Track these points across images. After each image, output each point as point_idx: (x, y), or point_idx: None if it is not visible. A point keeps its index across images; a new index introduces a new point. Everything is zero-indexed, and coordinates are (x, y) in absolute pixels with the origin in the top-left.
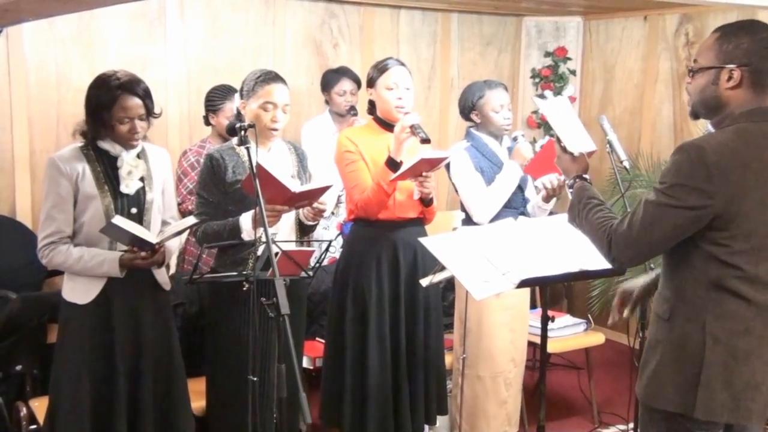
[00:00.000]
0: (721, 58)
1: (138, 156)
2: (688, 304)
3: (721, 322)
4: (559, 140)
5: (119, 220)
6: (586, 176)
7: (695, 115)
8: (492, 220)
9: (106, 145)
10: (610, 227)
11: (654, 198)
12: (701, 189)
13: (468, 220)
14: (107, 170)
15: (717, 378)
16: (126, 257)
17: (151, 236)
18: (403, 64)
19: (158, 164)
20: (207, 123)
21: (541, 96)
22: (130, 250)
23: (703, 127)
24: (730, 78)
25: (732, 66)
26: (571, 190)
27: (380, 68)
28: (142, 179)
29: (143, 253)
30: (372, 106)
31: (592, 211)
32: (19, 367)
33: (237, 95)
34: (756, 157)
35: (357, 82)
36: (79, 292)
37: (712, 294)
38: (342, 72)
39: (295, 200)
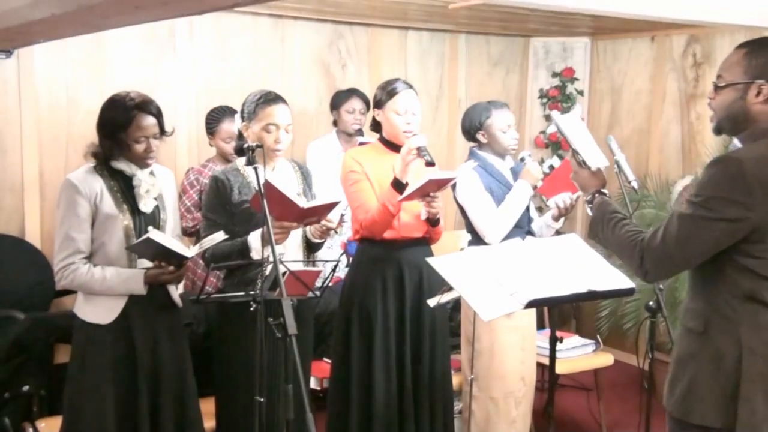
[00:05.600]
0: (749, 73)
1: (149, 174)
2: (722, 317)
3: (757, 334)
4: (576, 155)
5: (155, 234)
6: (605, 191)
7: (719, 131)
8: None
9: (121, 164)
10: (641, 241)
11: (690, 211)
12: (740, 201)
13: (475, 241)
14: (123, 189)
15: (756, 391)
16: (152, 273)
17: (185, 249)
18: (411, 87)
19: (167, 183)
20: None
21: (549, 116)
22: (157, 265)
23: (711, 146)
24: (759, 93)
25: (761, 81)
26: (590, 206)
27: (389, 92)
28: (155, 198)
29: (171, 268)
30: (376, 125)
31: (618, 225)
32: (26, 388)
33: (237, 116)
34: None
35: (367, 103)
36: (100, 312)
37: (746, 306)
38: (352, 92)
39: (304, 216)
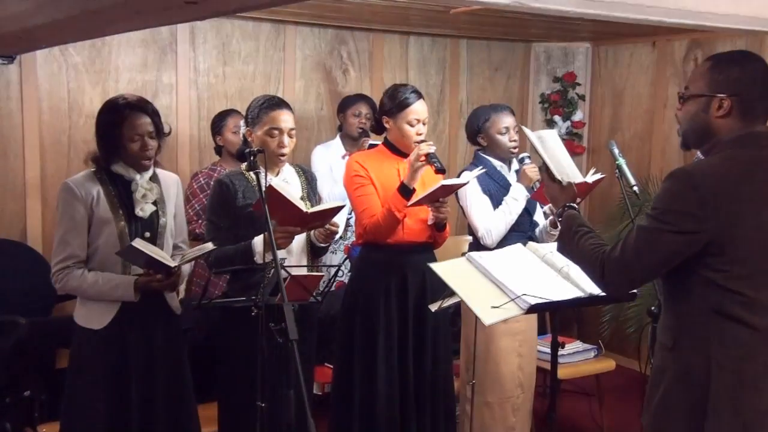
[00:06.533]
0: (712, 86)
1: (150, 179)
2: (691, 332)
3: (725, 348)
4: (547, 169)
5: (139, 243)
6: (575, 205)
7: (686, 145)
8: (500, 244)
9: (120, 169)
10: (602, 253)
11: (646, 224)
12: (692, 213)
13: (476, 244)
14: (121, 194)
15: (725, 406)
16: (141, 280)
17: (169, 259)
18: (420, 95)
19: (170, 189)
20: (218, 152)
21: (550, 121)
22: (146, 273)
23: None
24: (720, 107)
25: (723, 95)
26: (559, 219)
27: (401, 103)
28: (155, 203)
29: (159, 276)
30: (380, 128)
31: (583, 238)
32: (27, 393)
33: (242, 122)
34: (745, 180)
35: (373, 108)
36: (93, 317)
37: (714, 320)
38: (360, 96)
39: (308, 221)
